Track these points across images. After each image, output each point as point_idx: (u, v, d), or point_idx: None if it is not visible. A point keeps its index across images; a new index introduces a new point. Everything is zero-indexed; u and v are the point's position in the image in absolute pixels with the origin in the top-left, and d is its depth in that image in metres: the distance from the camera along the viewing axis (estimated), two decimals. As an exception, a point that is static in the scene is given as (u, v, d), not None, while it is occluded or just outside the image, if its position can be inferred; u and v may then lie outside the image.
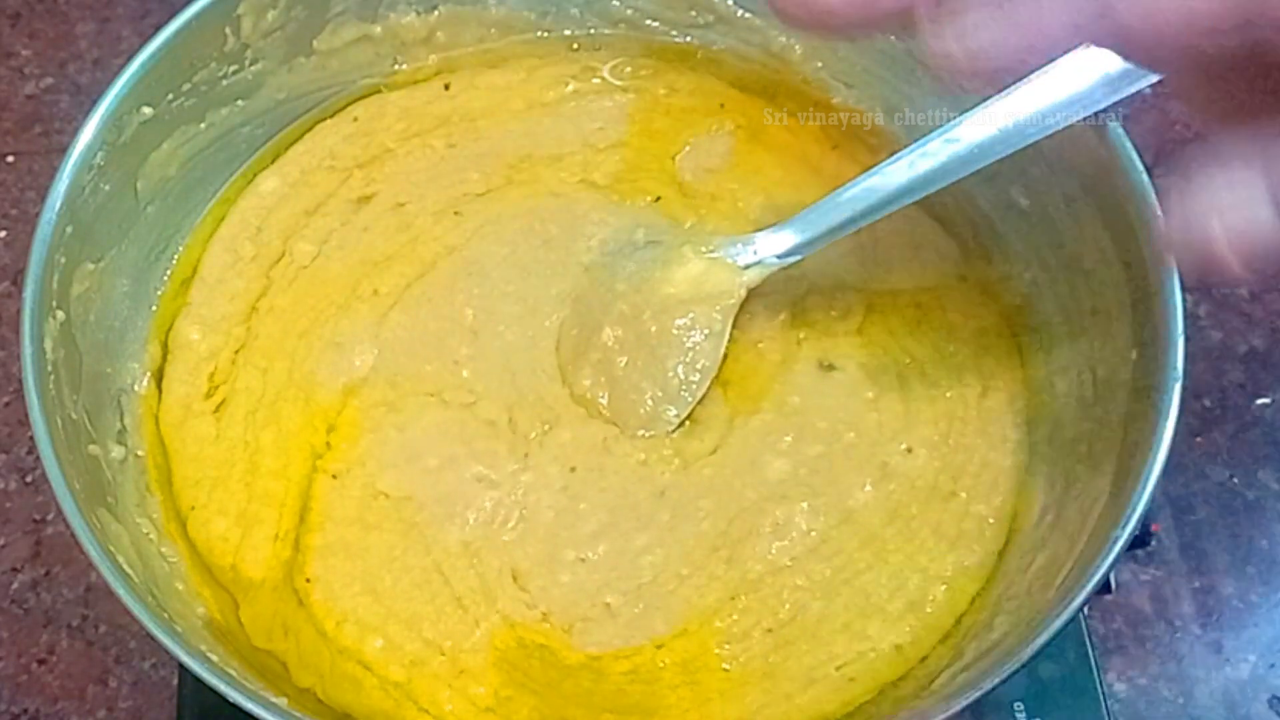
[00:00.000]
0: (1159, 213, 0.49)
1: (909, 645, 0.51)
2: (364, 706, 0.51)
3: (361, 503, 0.54)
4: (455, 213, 0.61)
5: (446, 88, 0.64)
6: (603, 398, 0.56)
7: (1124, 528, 0.45)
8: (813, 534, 0.53)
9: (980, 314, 0.58)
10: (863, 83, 0.62)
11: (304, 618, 0.52)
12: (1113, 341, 0.52)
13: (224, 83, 0.59)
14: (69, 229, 0.53)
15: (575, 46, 0.65)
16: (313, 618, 0.52)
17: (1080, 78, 0.50)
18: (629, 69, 0.65)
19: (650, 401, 0.55)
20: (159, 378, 0.58)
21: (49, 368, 0.51)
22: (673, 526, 0.53)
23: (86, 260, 0.54)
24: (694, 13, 0.64)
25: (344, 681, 0.51)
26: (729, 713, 0.50)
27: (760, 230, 0.56)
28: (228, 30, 0.57)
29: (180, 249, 0.60)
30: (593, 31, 0.65)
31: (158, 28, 0.55)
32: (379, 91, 0.64)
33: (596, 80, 0.65)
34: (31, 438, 0.48)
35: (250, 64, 0.60)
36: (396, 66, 0.64)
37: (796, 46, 0.63)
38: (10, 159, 0.77)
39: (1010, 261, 0.58)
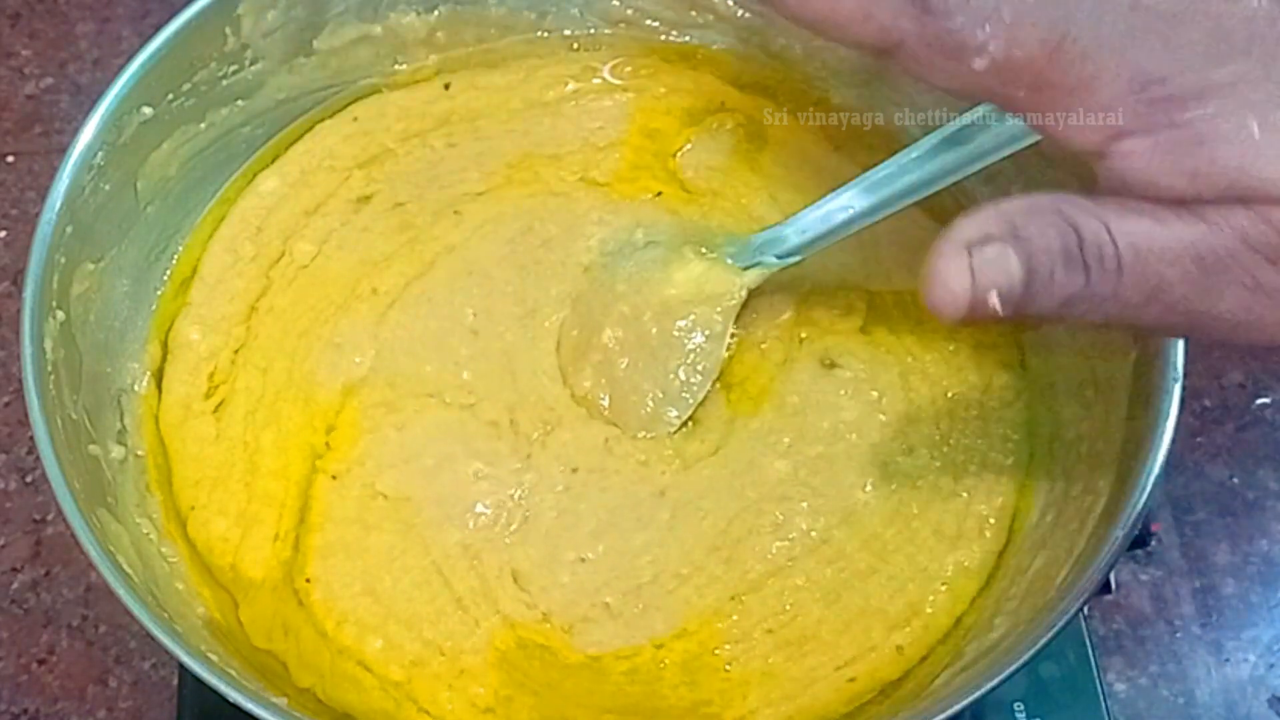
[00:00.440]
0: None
1: (909, 645, 0.51)
2: (364, 707, 0.51)
3: (361, 503, 0.54)
4: (455, 212, 0.61)
5: (446, 88, 0.64)
6: (604, 399, 0.56)
7: (1124, 528, 0.45)
8: (813, 534, 0.53)
9: (980, 314, 0.58)
10: (863, 83, 0.62)
11: (304, 618, 0.52)
12: (1113, 341, 0.52)
13: (224, 83, 0.59)
14: (69, 229, 0.53)
15: (575, 46, 0.65)
16: (313, 618, 0.52)
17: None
18: (629, 69, 0.65)
19: (651, 403, 0.55)
20: (159, 378, 0.58)
21: (49, 368, 0.51)
22: (673, 526, 0.53)
23: (86, 260, 0.54)
24: (694, 13, 0.64)
25: (344, 681, 0.51)
26: (729, 713, 0.50)
27: (761, 230, 0.56)
28: (228, 30, 0.58)
29: (180, 249, 0.60)
30: (593, 31, 0.65)
31: (158, 28, 0.55)
32: (379, 91, 0.64)
33: (596, 80, 0.65)
34: (31, 438, 0.48)
35: (250, 64, 0.60)
36: (396, 66, 0.64)
37: (796, 46, 0.63)
38: (10, 159, 0.77)
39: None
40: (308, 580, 0.53)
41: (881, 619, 0.51)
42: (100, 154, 0.54)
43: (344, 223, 0.61)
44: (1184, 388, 0.47)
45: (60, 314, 0.52)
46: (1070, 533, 0.49)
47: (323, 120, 0.63)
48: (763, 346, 0.57)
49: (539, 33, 0.65)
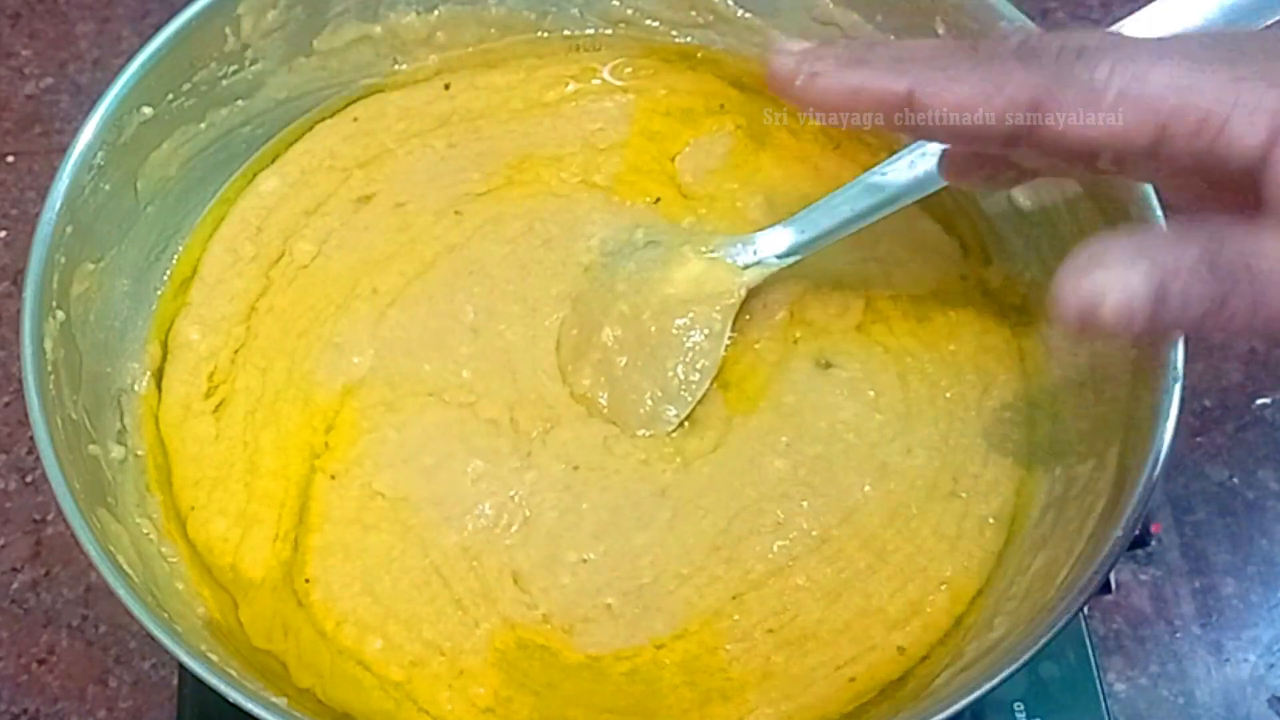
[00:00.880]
0: (1159, 213, 0.49)
1: (909, 645, 0.51)
2: (364, 707, 0.51)
3: (360, 503, 0.54)
4: (455, 212, 0.61)
5: (446, 88, 0.64)
6: (603, 397, 0.56)
7: (1124, 528, 0.45)
8: (814, 534, 0.53)
9: (980, 314, 0.58)
10: (863, 83, 0.62)
11: (304, 618, 0.52)
12: (1113, 341, 0.52)
13: (224, 83, 0.59)
14: (69, 229, 0.53)
15: (575, 46, 0.65)
16: (312, 618, 0.52)
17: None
18: (629, 69, 0.65)
19: (650, 401, 0.55)
20: (159, 378, 0.58)
21: (49, 368, 0.51)
22: (673, 526, 0.53)
23: (86, 260, 0.54)
24: (694, 13, 0.64)
25: (344, 682, 0.51)
26: (729, 713, 0.50)
27: (760, 230, 0.56)
28: (228, 30, 0.57)
29: (180, 249, 0.60)
30: (593, 31, 0.65)
31: (158, 28, 0.55)
32: (379, 91, 0.64)
33: (597, 80, 0.65)
34: (31, 438, 0.48)
35: (250, 64, 0.60)
36: (396, 66, 0.64)
37: (796, 46, 0.63)
38: (10, 159, 0.77)
39: (1010, 261, 0.58)
40: (307, 580, 0.53)
41: (881, 619, 0.51)
42: (100, 154, 0.54)
43: (344, 223, 0.61)
44: (1184, 388, 0.47)
45: (60, 314, 0.52)
46: (1070, 533, 0.49)
47: (323, 120, 0.63)
48: (759, 346, 0.57)
49: (539, 33, 0.65)
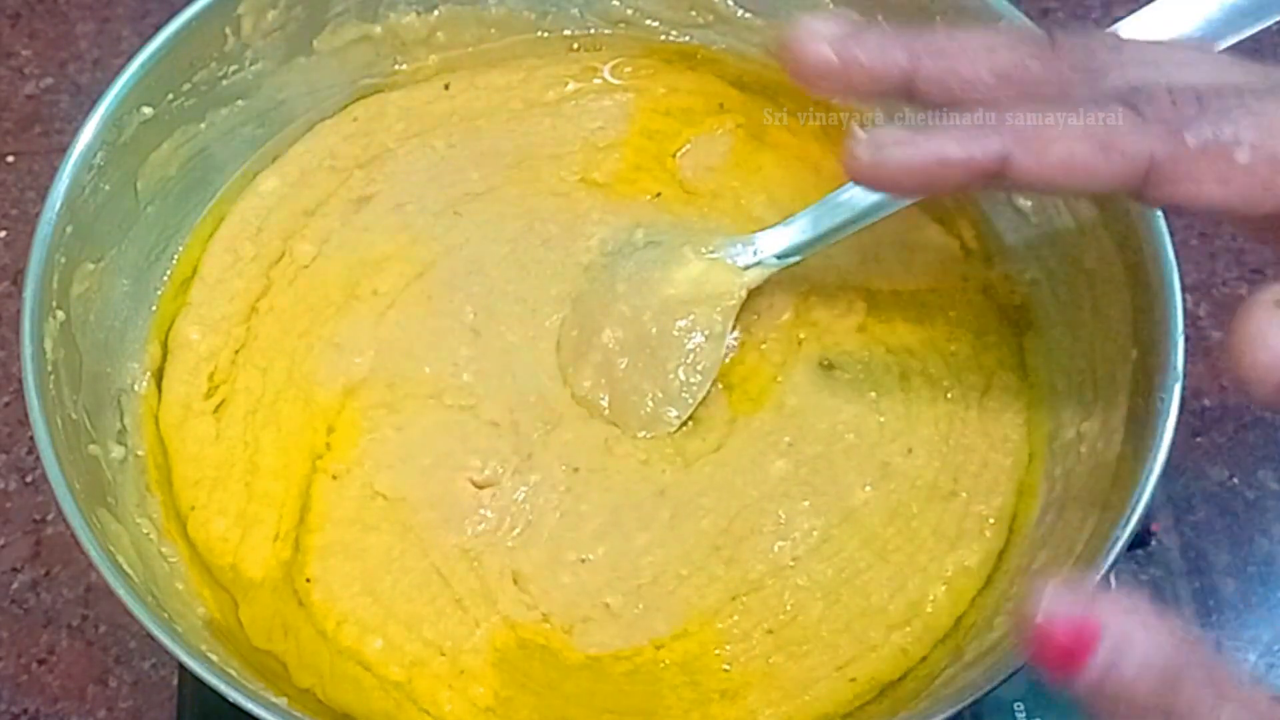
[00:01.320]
0: (1159, 212, 0.49)
1: (910, 645, 0.51)
2: (364, 707, 0.51)
3: (360, 503, 0.54)
4: (455, 212, 0.61)
5: (446, 88, 0.64)
6: (603, 399, 0.56)
7: (1124, 528, 0.45)
8: (814, 533, 0.53)
9: (980, 314, 0.58)
10: (863, 83, 0.62)
11: (304, 618, 0.52)
12: (1113, 341, 0.52)
13: (224, 83, 0.59)
14: (69, 229, 0.53)
15: (575, 46, 0.65)
16: (313, 618, 0.52)
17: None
18: (629, 69, 0.65)
19: (651, 403, 0.55)
20: (159, 378, 0.58)
21: (49, 368, 0.51)
22: (673, 526, 0.53)
23: (86, 260, 0.54)
24: (694, 13, 0.64)
25: (344, 682, 0.51)
26: (729, 713, 0.50)
27: (761, 230, 0.56)
28: (228, 30, 0.57)
29: (180, 249, 0.60)
30: (593, 31, 0.65)
31: (158, 28, 0.55)
32: (379, 91, 0.64)
33: (597, 80, 0.65)
34: (31, 438, 0.48)
35: (250, 64, 0.60)
36: (396, 66, 0.64)
37: (797, 46, 0.63)
38: (10, 159, 0.77)
39: (1010, 261, 0.58)
40: (308, 580, 0.53)
41: (882, 618, 0.51)
42: (100, 154, 0.54)
43: (344, 223, 0.61)
44: (1184, 388, 0.47)
45: (60, 314, 0.52)
46: (1070, 533, 0.49)
47: (323, 120, 0.63)
48: (762, 347, 0.57)
49: (539, 33, 0.65)
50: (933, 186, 0.35)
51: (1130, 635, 0.32)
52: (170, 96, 0.57)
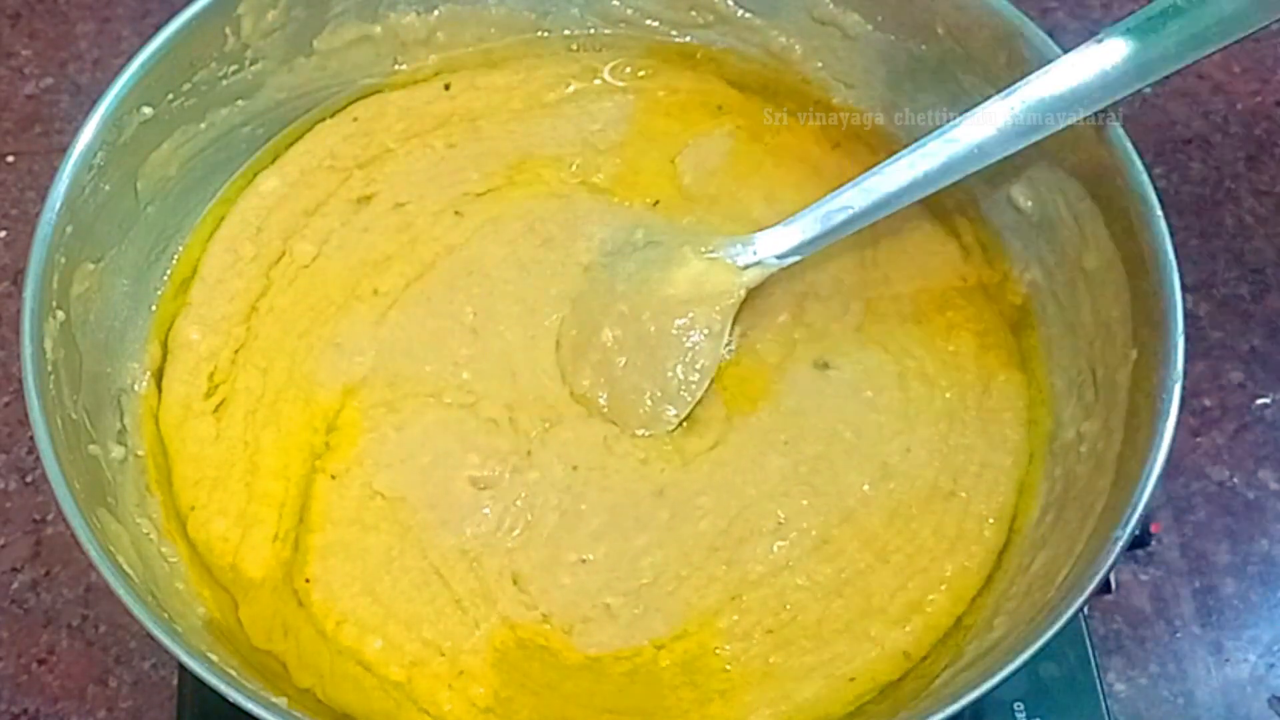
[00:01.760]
0: (1159, 214, 0.49)
1: (909, 645, 0.51)
2: (364, 707, 0.51)
3: (360, 503, 0.54)
4: (455, 212, 0.61)
5: (446, 88, 0.64)
6: (602, 398, 0.56)
7: (1124, 528, 0.45)
8: (814, 533, 0.53)
9: (980, 314, 0.58)
10: (863, 83, 0.62)
11: (304, 618, 0.52)
12: (1113, 341, 0.52)
13: (224, 83, 0.59)
14: (69, 229, 0.53)
15: (575, 47, 0.65)
16: (312, 618, 0.52)
17: (1080, 78, 0.50)
18: (629, 69, 0.65)
19: (650, 401, 0.55)
20: (159, 378, 0.58)
21: (49, 368, 0.51)
22: (672, 526, 0.53)
23: (86, 260, 0.54)
24: (694, 13, 0.64)
25: (344, 682, 0.51)
26: (729, 713, 0.50)
27: (760, 230, 0.56)
28: (228, 30, 0.57)
29: (180, 249, 0.60)
30: (593, 31, 0.65)
31: (158, 28, 0.55)
32: (379, 91, 0.64)
33: (597, 81, 0.65)
34: (31, 438, 0.49)
35: (250, 64, 0.60)
36: (396, 66, 0.64)
37: (796, 46, 0.63)
38: (10, 159, 0.77)
39: (1010, 261, 0.58)
40: (307, 580, 0.53)
41: (882, 619, 0.51)
42: (100, 154, 0.54)
43: (344, 223, 0.61)
44: (1184, 388, 0.47)
45: (60, 314, 0.52)
46: (1070, 533, 0.49)
47: (323, 120, 0.63)
48: (760, 348, 0.57)
49: (539, 33, 0.65)
50: None
51: None
52: (170, 96, 0.57)
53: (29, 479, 0.67)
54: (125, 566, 0.48)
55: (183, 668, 0.50)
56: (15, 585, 0.65)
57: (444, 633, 0.52)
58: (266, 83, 0.61)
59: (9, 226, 0.75)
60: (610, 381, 0.56)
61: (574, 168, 0.62)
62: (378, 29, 0.63)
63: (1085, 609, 0.58)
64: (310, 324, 0.58)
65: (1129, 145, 0.51)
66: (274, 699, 0.46)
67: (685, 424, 0.55)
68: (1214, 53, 0.49)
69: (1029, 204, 0.57)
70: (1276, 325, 0.71)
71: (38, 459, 0.48)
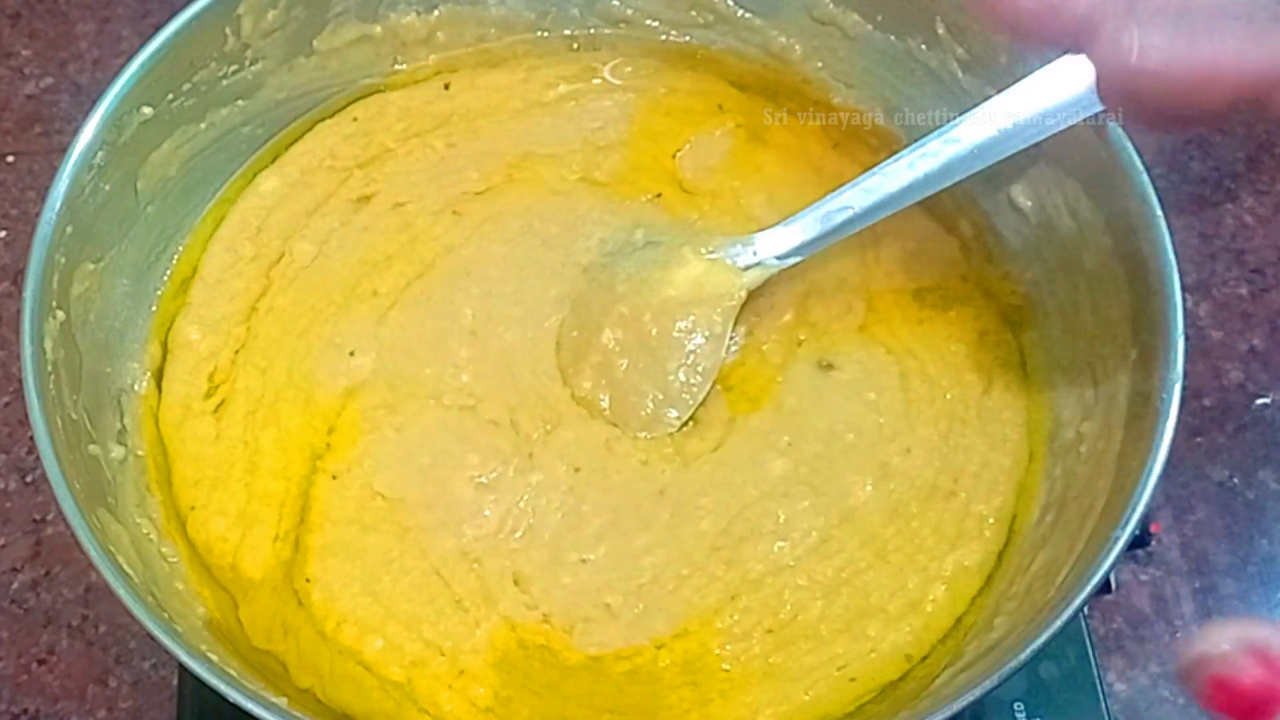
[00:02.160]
0: (1159, 212, 0.49)
1: (909, 645, 0.51)
2: (364, 707, 0.51)
3: (359, 503, 0.54)
4: (454, 212, 0.61)
5: (446, 87, 0.64)
6: (604, 400, 0.56)
7: (1124, 528, 0.45)
8: (814, 533, 0.53)
9: (980, 314, 0.58)
10: (863, 83, 0.62)
11: (304, 618, 0.52)
12: (1113, 341, 0.52)
13: (224, 83, 0.59)
14: (69, 229, 0.53)
15: (575, 46, 0.65)
16: (312, 618, 0.52)
17: (1080, 78, 0.50)
18: (629, 69, 0.65)
19: (651, 404, 0.55)
20: (159, 378, 0.58)
21: (49, 368, 0.51)
22: (672, 526, 0.53)
23: (86, 260, 0.54)
24: (694, 13, 0.64)
25: (344, 682, 0.51)
26: (729, 713, 0.50)
27: (760, 230, 0.56)
28: (228, 30, 0.57)
29: (180, 249, 0.60)
30: (593, 31, 0.65)
31: (158, 28, 0.55)
32: (379, 91, 0.64)
33: (597, 80, 0.65)
34: (31, 438, 0.48)
35: (250, 64, 0.60)
36: (396, 66, 0.64)
37: (796, 46, 0.63)
38: (10, 159, 0.77)
39: (1010, 261, 0.58)
40: (307, 580, 0.53)
41: (882, 618, 0.51)
42: (100, 154, 0.54)
43: (343, 223, 0.61)
44: (1184, 388, 0.47)
45: (60, 314, 0.52)
46: (1070, 533, 0.49)
47: (323, 120, 0.63)
48: (763, 348, 0.57)
49: (539, 32, 0.65)
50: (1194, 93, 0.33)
51: None
52: (170, 96, 0.57)
53: (29, 479, 0.67)
54: (125, 566, 0.48)
55: (183, 668, 0.50)
56: (15, 585, 0.65)
57: (444, 633, 0.52)
58: (266, 83, 0.61)
59: (9, 226, 0.75)
60: (612, 384, 0.56)
61: (574, 166, 0.62)
62: (378, 29, 0.63)
63: (1085, 609, 0.58)
64: (310, 324, 0.58)
65: (1129, 145, 0.50)
66: (274, 699, 0.46)
67: (687, 425, 0.55)
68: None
69: (1029, 204, 0.57)
70: (1276, 325, 0.71)
71: (38, 459, 0.48)
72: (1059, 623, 0.44)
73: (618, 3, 0.64)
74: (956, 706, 0.43)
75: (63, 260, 0.53)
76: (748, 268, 0.55)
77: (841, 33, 0.61)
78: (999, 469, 0.54)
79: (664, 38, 0.65)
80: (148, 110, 0.56)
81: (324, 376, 0.57)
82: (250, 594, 0.53)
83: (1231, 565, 0.65)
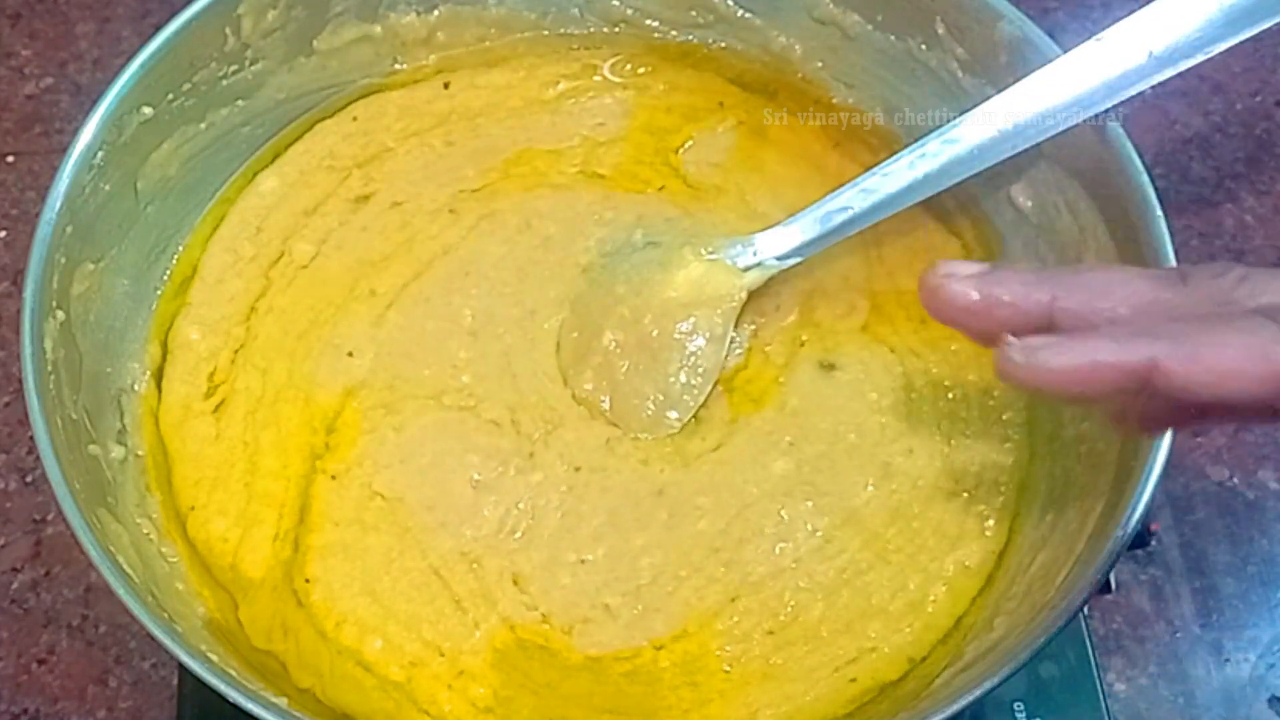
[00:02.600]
0: (1159, 211, 0.49)
1: (910, 646, 0.51)
2: (364, 707, 0.51)
3: (359, 503, 0.54)
4: (451, 210, 0.61)
5: (446, 87, 0.64)
6: (605, 401, 0.56)
7: (1124, 528, 0.45)
8: (817, 534, 0.53)
9: (981, 314, 0.58)
10: (863, 83, 0.62)
11: (304, 618, 0.52)
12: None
13: (224, 83, 0.59)
14: (69, 229, 0.53)
15: (575, 45, 0.65)
16: (312, 618, 0.52)
17: (1080, 78, 0.50)
18: (629, 67, 0.65)
19: (652, 405, 0.55)
20: (159, 378, 0.58)
21: (49, 368, 0.51)
22: (671, 526, 0.53)
23: (86, 260, 0.54)
24: (694, 12, 0.64)
25: (344, 682, 0.51)
26: (729, 714, 0.50)
27: (761, 231, 0.56)
28: (228, 30, 0.57)
29: (180, 249, 0.60)
30: (592, 31, 0.65)
31: (158, 28, 0.55)
32: (379, 91, 0.64)
33: (597, 78, 0.65)
34: (31, 438, 0.48)
35: (250, 64, 0.60)
36: (396, 66, 0.64)
37: (797, 46, 0.63)
38: (10, 159, 0.77)
39: (1010, 261, 0.58)
40: (307, 580, 0.53)
41: (883, 619, 0.51)
42: (100, 154, 0.54)
43: (342, 222, 0.61)
44: (1184, 388, 0.47)
45: (60, 314, 0.52)
46: (1070, 533, 0.49)
47: (322, 120, 0.63)
48: (767, 349, 0.57)
49: (539, 32, 0.65)
50: (1085, 389, 0.35)
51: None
52: (170, 96, 0.57)
53: (29, 479, 0.67)
54: (125, 566, 0.48)
55: (183, 668, 0.50)
56: (15, 585, 0.65)
57: (444, 633, 0.52)
58: (266, 83, 0.61)
59: (9, 226, 0.75)
60: (613, 386, 0.56)
61: (574, 160, 0.62)
62: (378, 29, 0.63)
63: (1085, 609, 0.58)
64: (309, 324, 0.58)
65: (1129, 145, 0.50)
66: (274, 699, 0.46)
67: (688, 425, 0.55)
68: (1216, 54, 0.49)
69: (1029, 204, 0.57)
70: (1276, 325, 0.71)
71: (38, 459, 0.48)
72: (1059, 623, 0.44)
73: (617, 2, 0.64)
74: (956, 707, 0.43)
75: (63, 260, 0.53)
76: (748, 268, 0.55)
77: (841, 33, 0.61)
78: (999, 469, 0.54)
79: (664, 37, 0.65)
80: (148, 110, 0.56)
81: (323, 377, 0.57)
82: (250, 594, 0.53)
83: (1231, 565, 0.65)
